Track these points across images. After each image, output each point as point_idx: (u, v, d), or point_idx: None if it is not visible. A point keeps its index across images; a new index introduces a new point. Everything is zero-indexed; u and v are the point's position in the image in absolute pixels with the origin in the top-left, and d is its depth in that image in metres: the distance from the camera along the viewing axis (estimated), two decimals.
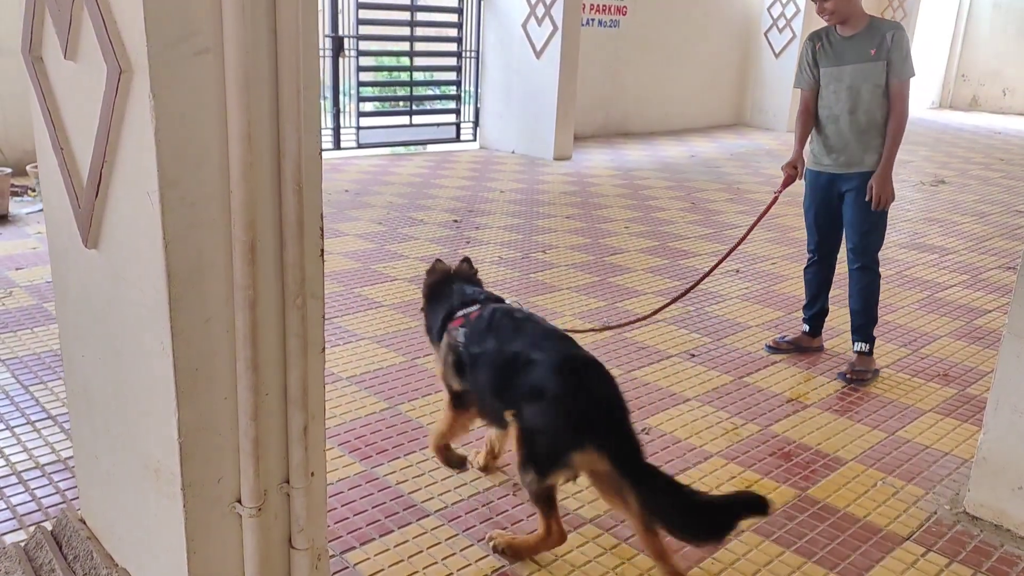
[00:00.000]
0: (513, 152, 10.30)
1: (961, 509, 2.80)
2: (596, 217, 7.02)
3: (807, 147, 3.93)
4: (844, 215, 3.84)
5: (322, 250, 1.54)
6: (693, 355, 4.10)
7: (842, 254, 4.00)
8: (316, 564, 1.71)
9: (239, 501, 1.53)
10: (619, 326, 4.06)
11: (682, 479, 2.94)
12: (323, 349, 1.60)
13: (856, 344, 3.92)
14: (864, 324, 3.89)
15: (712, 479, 2.97)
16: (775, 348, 4.17)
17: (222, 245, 1.40)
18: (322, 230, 1.53)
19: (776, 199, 3.97)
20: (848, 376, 3.83)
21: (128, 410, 1.65)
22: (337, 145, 9.53)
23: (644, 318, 4.04)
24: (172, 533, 1.55)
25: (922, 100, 17.69)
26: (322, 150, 1.50)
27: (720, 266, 4.26)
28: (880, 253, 3.88)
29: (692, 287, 4.06)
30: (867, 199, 3.67)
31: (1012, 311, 2.59)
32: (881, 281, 3.90)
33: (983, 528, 2.71)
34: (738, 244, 4.12)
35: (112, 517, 1.92)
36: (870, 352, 3.90)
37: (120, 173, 1.45)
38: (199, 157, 1.34)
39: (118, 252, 1.53)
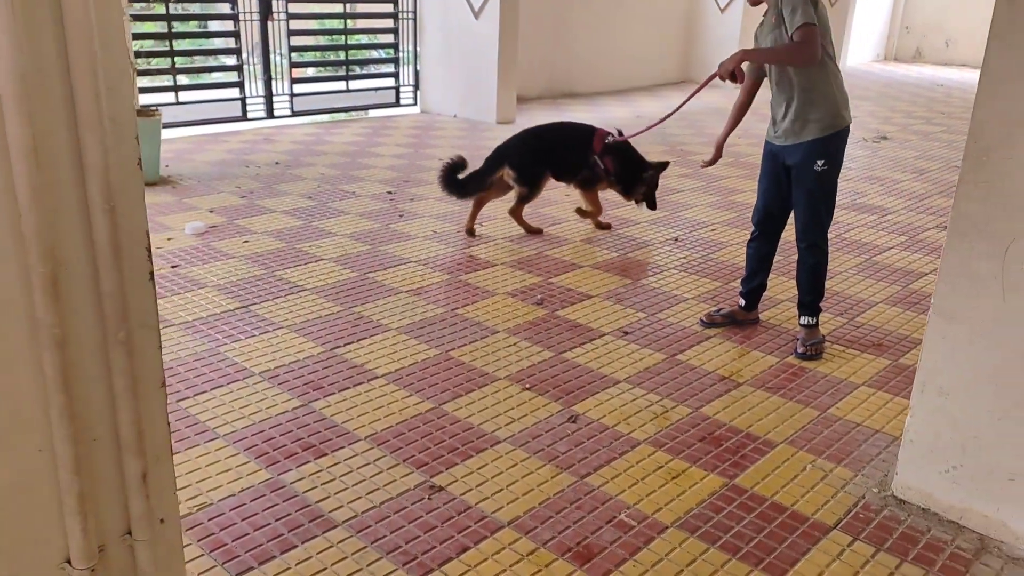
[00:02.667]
0: (455, 116, 10.02)
1: (889, 492, 2.73)
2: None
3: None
4: (793, 191, 3.71)
5: (151, 273, 1.34)
6: (626, 332, 3.98)
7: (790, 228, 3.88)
8: None
9: (68, 562, 1.35)
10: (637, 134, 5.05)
11: (608, 471, 2.84)
12: (163, 383, 1.41)
13: (803, 318, 3.82)
14: (812, 300, 3.79)
15: (639, 469, 2.86)
16: (709, 322, 4.07)
17: (17, 278, 1.20)
18: (149, 251, 1.33)
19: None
20: (803, 351, 3.73)
21: None
22: (270, 114, 9.16)
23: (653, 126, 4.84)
24: None
25: (866, 53, 17.69)
26: (140, 161, 1.29)
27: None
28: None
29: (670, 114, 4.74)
30: (817, 168, 3.55)
31: (938, 290, 2.49)
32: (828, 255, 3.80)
33: (910, 512, 2.64)
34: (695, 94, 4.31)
35: None
36: (817, 324, 3.81)
37: None
38: None
39: None
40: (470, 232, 5.43)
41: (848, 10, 15.49)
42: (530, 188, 5.38)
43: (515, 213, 5.47)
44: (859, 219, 5.95)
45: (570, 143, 5.38)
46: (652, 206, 5.53)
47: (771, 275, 4.10)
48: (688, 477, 2.83)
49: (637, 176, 5.38)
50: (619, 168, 5.26)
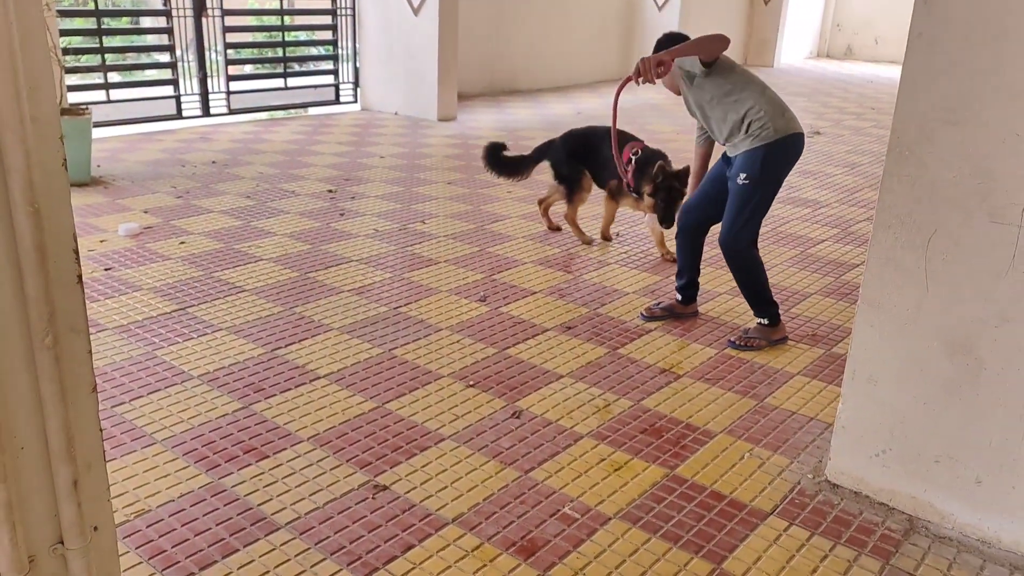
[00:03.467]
0: (396, 114, 9.96)
1: (823, 478, 2.81)
2: (479, 182, 6.84)
3: None
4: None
5: (79, 276, 1.31)
6: (569, 327, 4.01)
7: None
8: None
9: None
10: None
11: (551, 465, 2.87)
12: (94, 388, 1.38)
13: (756, 320, 3.91)
14: (753, 300, 3.87)
15: (582, 462, 2.90)
16: (649, 316, 4.13)
17: None
18: (77, 253, 1.30)
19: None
20: (738, 344, 3.80)
21: None
22: (206, 112, 8.98)
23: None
24: None
25: (800, 50, 18.12)
26: (65, 161, 1.26)
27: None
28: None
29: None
30: (739, 181, 3.65)
31: (865, 281, 2.57)
32: (758, 252, 3.87)
33: (843, 496, 2.73)
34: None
35: None
36: (771, 324, 3.87)
37: None
38: None
39: None
40: (605, 237, 5.43)
41: (782, 9, 15.86)
42: (568, 187, 5.28)
43: (568, 218, 5.36)
44: (794, 212, 6.11)
45: (610, 149, 4.85)
46: (661, 220, 4.72)
47: (709, 269, 4.19)
48: (630, 469, 2.87)
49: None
50: (638, 181, 4.82)
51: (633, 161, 4.78)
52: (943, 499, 2.56)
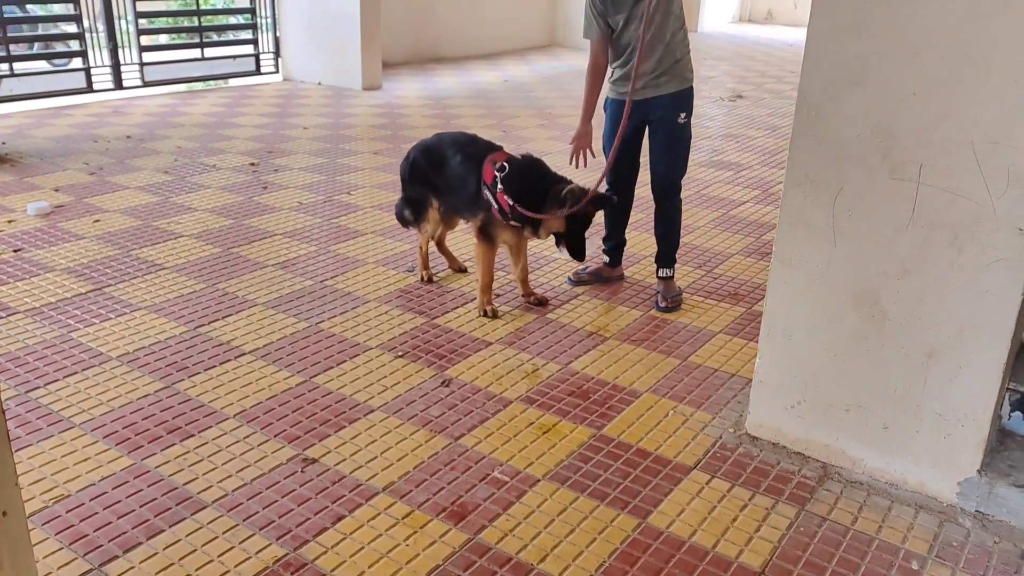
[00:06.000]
0: (319, 84, 9.74)
1: (743, 431, 2.91)
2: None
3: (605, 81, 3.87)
4: (651, 144, 3.83)
5: None
6: (498, 295, 4.03)
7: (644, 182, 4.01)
8: None
9: None
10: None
11: (481, 431, 2.90)
12: None
13: (661, 271, 3.99)
14: (671, 250, 3.96)
15: (511, 427, 2.93)
16: (577, 280, 4.18)
17: None
18: None
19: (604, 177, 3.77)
20: (665, 305, 3.88)
21: None
22: (119, 85, 8.62)
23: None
24: None
25: (723, 15, 18.32)
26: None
27: None
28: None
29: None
30: (680, 121, 3.70)
31: (778, 239, 2.65)
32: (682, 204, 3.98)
33: (762, 448, 2.83)
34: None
35: None
36: (673, 276, 3.99)
37: None
38: None
39: None
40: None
41: None
42: (414, 216, 4.12)
43: (420, 243, 4.22)
44: (716, 176, 6.23)
45: (462, 166, 3.80)
46: (573, 252, 3.73)
47: (633, 232, 4.25)
48: (558, 431, 2.92)
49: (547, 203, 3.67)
50: (522, 200, 3.61)
51: (499, 179, 3.60)
52: (854, 446, 2.68)
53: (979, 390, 2.40)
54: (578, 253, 3.73)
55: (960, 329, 2.37)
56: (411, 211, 4.12)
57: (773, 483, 2.66)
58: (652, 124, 3.79)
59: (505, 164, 3.64)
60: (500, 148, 3.83)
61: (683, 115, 3.75)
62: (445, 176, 3.88)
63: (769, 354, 2.79)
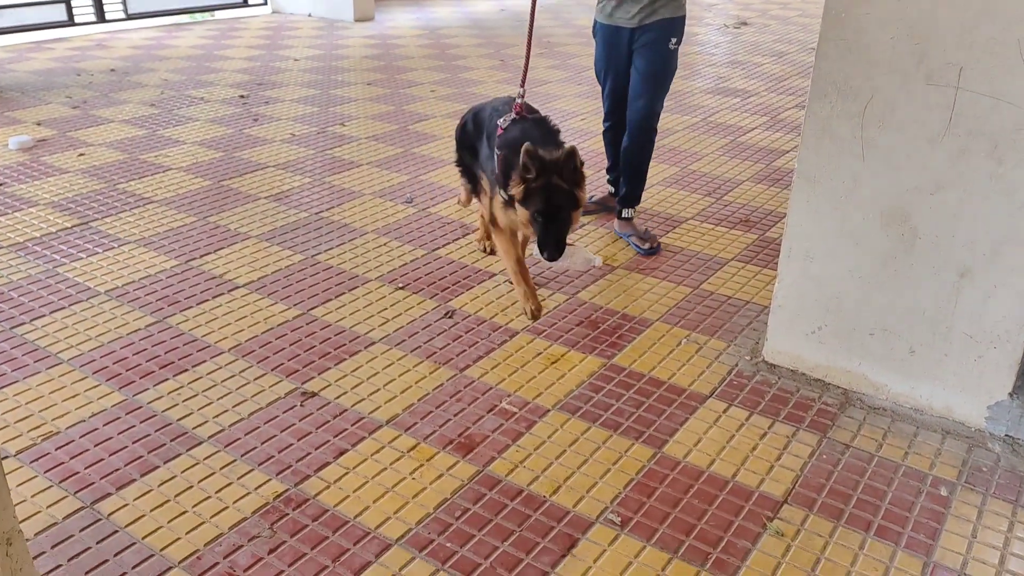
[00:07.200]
0: (310, 15, 9.41)
1: (760, 359, 2.80)
2: (400, 82, 6.53)
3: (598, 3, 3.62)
4: (635, 71, 3.59)
5: None
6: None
7: None
8: (6, 552, 1.37)
9: None
10: None
11: (487, 362, 2.78)
12: None
13: (626, 211, 3.74)
14: (639, 189, 3.74)
15: (517, 358, 2.82)
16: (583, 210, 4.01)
17: None
18: None
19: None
20: (648, 247, 3.64)
21: None
22: (101, 18, 8.32)
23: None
24: None
25: None
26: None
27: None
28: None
29: None
30: (671, 46, 3.48)
31: (801, 154, 2.49)
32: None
33: (780, 375, 2.72)
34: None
35: None
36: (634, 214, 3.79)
37: None
38: None
39: None
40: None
41: None
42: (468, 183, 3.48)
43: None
44: (723, 103, 6.01)
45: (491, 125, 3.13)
46: (543, 246, 2.77)
47: None
48: (567, 361, 2.81)
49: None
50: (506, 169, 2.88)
51: (497, 141, 2.98)
52: (877, 371, 2.56)
53: (1014, 310, 2.27)
54: (546, 247, 2.75)
55: (997, 245, 2.23)
56: (466, 179, 3.46)
57: (793, 411, 2.55)
58: (640, 50, 3.54)
59: (520, 114, 3.02)
60: (536, 112, 3.12)
61: (674, 40, 3.50)
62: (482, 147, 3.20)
63: (789, 278, 2.65)
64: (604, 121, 3.84)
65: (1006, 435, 2.39)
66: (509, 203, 2.88)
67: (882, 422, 2.50)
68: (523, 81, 3.17)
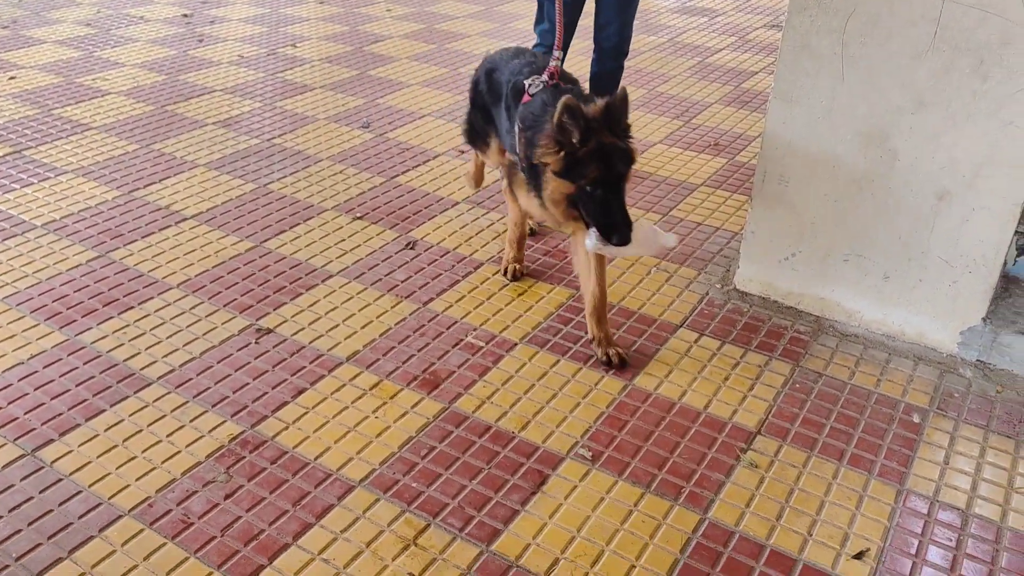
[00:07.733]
0: None
1: (732, 286, 2.73)
2: (354, 1, 6.21)
3: None
4: (605, 8, 3.36)
5: None
6: (462, 151, 3.72)
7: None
8: None
9: None
10: None
11: (451, 295, 2.68)
12: None
13: None
14: None
15: (483, 290, 2.71)
16: None
17: None
18: None
19: None
20: None
21: None
22: None
23: None
24: None
25: None
26: None
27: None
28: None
29: None
30: None
31: (778, 73, 2.37)
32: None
33: (752, 303, 2.66)
34: None
35: None
36: None
37: None
38: None
39: None
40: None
41: None
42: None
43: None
44: (689, 22, 5.82)
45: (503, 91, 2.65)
46: (604, 231, 2.17)
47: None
48: (534, 293, 2.71)
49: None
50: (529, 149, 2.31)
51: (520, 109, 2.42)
52: (850, 297, 2.51)
53: (991, 234, 2.22)
54: (613, 225, 2.15)
55: (977, 167, 2.16)
56: (478, 149, 2.97)
57: (765, 339, 2.50)
58: None
59: (553, 78, 2.42)
60: (576, 84, 2.54)
61: None
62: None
63: (762, 203, 2.57)
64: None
65: (977, 360, 2.37)
66: (533, 175, 2.31)
67: (855, 349, 2.45)
68: (558, 43, 2.59)
